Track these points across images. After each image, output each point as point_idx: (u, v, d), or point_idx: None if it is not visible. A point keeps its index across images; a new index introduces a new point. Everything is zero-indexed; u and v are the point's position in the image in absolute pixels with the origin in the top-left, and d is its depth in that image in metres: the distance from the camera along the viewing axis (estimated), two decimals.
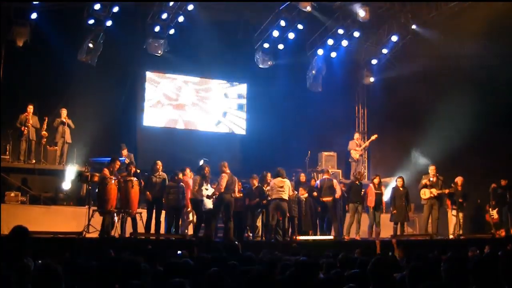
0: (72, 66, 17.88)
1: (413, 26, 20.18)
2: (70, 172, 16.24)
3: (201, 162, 15.87)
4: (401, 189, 16.21)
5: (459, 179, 16.59)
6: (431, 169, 16.44)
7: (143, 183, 14.07)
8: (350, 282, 5.54)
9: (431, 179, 16.31)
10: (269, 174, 15.12)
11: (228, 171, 14.34)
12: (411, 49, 20.07)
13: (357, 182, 16.33)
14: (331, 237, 15.40)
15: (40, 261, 5.92)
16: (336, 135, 20.75)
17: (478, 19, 17.11)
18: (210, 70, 21.18)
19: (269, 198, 14.68)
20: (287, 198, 14.64)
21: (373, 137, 19.73)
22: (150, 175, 14.43)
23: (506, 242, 13.41)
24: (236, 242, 11.55)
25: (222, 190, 13.98)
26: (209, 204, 14.32)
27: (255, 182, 15.20)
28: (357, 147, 19.46)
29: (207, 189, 14.29)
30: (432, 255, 8.27)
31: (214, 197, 14.13)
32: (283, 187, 14.52)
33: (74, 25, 17.90)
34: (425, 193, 16.30)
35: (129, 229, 13.80)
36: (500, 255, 5.90)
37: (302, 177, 16.27)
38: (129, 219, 13.83)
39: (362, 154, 20.51)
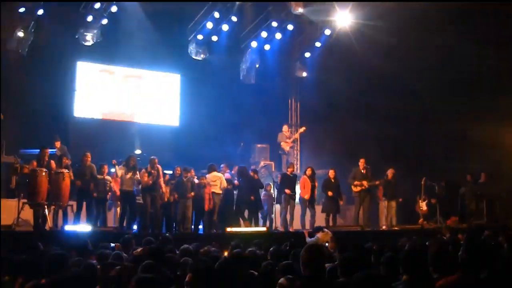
0: (1, 55, 17.44)
1: (339, 22, 20.43)
2: None
3: (138, 152, 15.94)
4: (332, 180, 16.50)
5: (390, 171, 16.96)
6: (361, 162, 16.75)
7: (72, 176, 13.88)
8: (283, 274, 5.64)
9: (362, 171, 16.66)
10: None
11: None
12: (344, 43, 20.24)
13: (289, 174, 16.48)
14: (264, 228, 15.52)
15: None
16: (270, 127, 20.82)
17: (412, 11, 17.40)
18: (143, 61, 20.89)
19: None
20: (219, 192, 15.07)
21: (301, 130, 19.97)
22: (79, 167, 14.30)
23: (434, 233, 13.93)
24: (167, 234, 11.64)
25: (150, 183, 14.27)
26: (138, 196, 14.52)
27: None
28: (287, 139, 19.60)
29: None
30: (368, 245, 8.49)
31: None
32: (215, 181, 15.02)
33: (4, 13, 17.44)
34: (356, 186, 16.64)
35: (60, 221, 13.70)
36: (428, 245, 6.17)
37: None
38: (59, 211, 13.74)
39: (293, 146, 20.70)
